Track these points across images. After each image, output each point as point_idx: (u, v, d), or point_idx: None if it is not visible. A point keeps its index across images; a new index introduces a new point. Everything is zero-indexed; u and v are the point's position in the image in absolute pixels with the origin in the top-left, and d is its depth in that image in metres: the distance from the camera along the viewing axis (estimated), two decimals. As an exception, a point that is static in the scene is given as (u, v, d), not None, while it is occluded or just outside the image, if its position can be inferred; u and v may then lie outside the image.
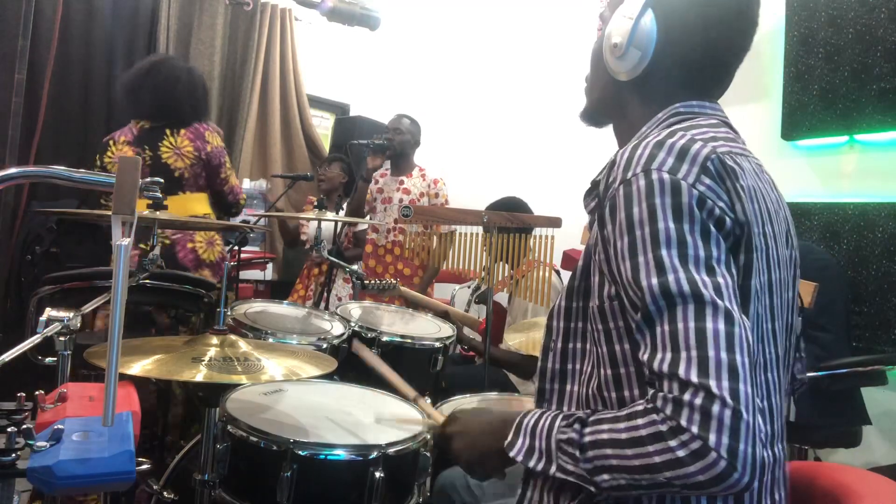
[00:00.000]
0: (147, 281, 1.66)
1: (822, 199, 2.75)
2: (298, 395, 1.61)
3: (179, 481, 1.66)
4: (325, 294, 2.99)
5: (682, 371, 0.69)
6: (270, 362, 1.36)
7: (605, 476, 0.73)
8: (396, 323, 2.27)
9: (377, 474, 1.30)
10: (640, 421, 0.71)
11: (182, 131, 2.47)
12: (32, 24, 1.62)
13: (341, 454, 1.32)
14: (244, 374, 1.29)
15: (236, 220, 3.58)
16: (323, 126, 4.65)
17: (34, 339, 1.14)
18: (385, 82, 4.64)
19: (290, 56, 4.29)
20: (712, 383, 0.67)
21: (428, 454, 1.42)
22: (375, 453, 1.32)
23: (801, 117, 2.80)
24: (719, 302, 0.71)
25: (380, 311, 2.44)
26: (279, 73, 4.24)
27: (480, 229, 2.10)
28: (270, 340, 1.82)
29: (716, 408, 0.66)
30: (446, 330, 2.24)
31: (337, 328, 2.03)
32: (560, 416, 0.81)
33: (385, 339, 1.98)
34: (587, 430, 0.76)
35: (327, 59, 4.55)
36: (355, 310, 2.31)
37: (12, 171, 0.81)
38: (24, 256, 2.77)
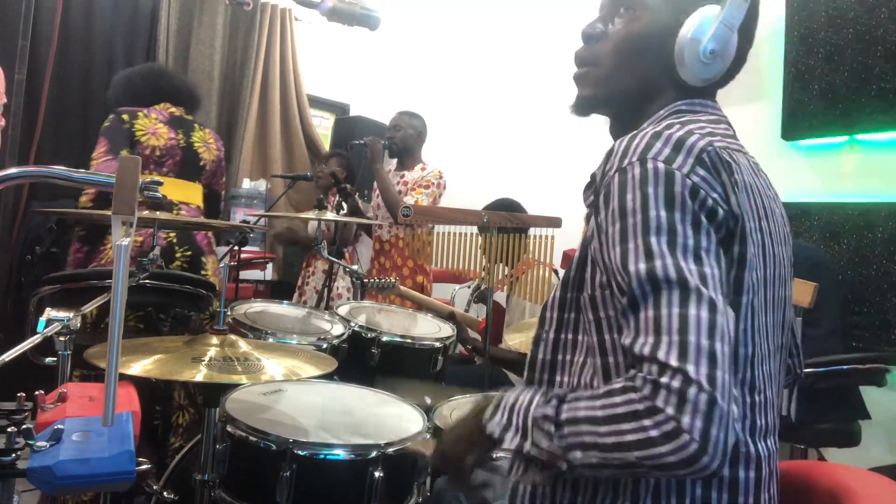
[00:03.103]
0: (147, 281, 1.66)
1: (822, 199, 2.76)
2: (298, 395, 1.61)
3: (179, 481, 1.66)
4: (326, 294, 2.99)
5: (662, 354, 0.69)
6: (270, 362, 1.36)
7: (578, 454, 0.73)
8: (396, 323, 2.27)
9: (376, 474, 1.30)
10: (617, 399, 0.71)
11: (208, 130, 2.59)
12: (32, 25, 1.62)
13: (340, 454, 1.32)
14: (244, 374, 1.29)
15: (236, 220, 3.58)
16: (323, 126, 4.65)
17: (34, 339, 1.14)
18: (385, 82, 4.64)
19: (290, 56, 4.29)
20: (690, 368, 0.68)
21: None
22: (375, 453, 1.32)
23: (801, 117, 2.80)
24: (704, 290, 0.72)
25: (380, 311, 2.44)
26: (279, 73, 4.24)
27: (477, 229, 2.10)
28: (270, 340, 1.82)
29: (692, 391, 0.67)
30: (446, 330, 2.24)
31: (337, 328, 2.03)
32: (539, 393, 0.81)
33: (385, 339, 1.98)
34: (564, 406, 0.76)
35: (327, 59, 4.55)
36: (355, 310, 2.31)
37: (12, 171, 0.81)
38: (24, 256, 2.77)
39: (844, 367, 2.17)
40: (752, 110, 2.89)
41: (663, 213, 0.75)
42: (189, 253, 2.35)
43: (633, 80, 0.96)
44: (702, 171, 0.78)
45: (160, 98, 2.50)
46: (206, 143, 2.53)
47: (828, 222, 2.71)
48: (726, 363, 0.69)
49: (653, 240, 0.74)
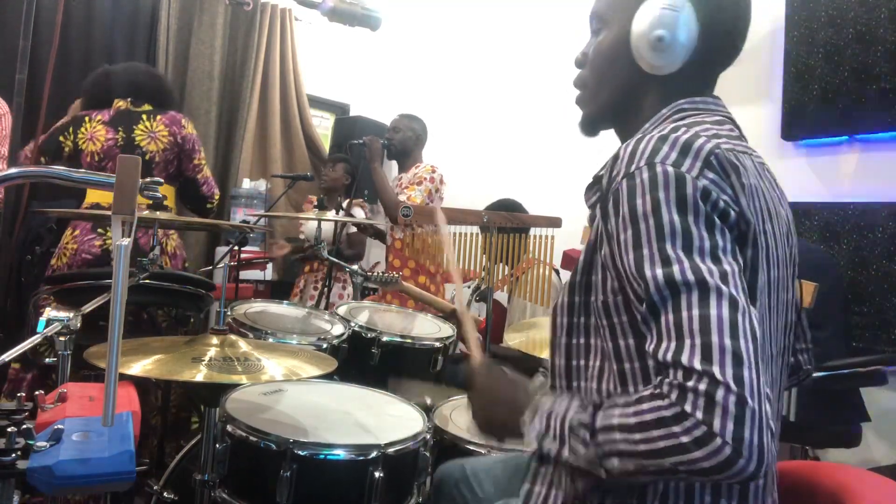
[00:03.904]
0: (147, 281, 1.66)
1: (822, 199, 2.75)
2: (298, 395, 1.61)
3: (179, 481, 1.66)
4: (326, 294, 2.99)
5: (685, 358, 0.69)
6: (270, 362, 1.36)
7: (615, 461, 0.73)
8: (396, 323, 2.27)
9: (377, 474, 1.30)
10: (645, 406, 0.71)
11: (159, 117, 2.48)
12: (33, 25, 1.62)
13: (341, 454, 1.32)
14: (244, 374, 1.29)
15: (236, 220, 3.58)
16: (323, 126, 4.65)
17: (34, 339, 1.14)
18: (385, 82, 4.64)
19: (290, 56, 4.29)
20: (716, 370, 0.67)
21: (427, 454, 1.42)
22: (375, 453, 1.32)
23: (801, 117, 2.80)
24: (724, 288, 0.71)
25: (380, 312, 2.44)
26: (279, 73, 4.24)
27: (478, 229, 2.11)
28: (270, 340, 1.82)
29: (720, 394, 0.66)
30: (446, 330, 2.24)
31: (337, 328, 2.03)
32: (576, 400, 0.81)
33: (385, 339, 1.98)
34: (600, 414, 0.76)
35: (327, 59, 4.55)
36: (355, 310, 2.31)
37: (12, 171, 0.82)
38: (24, 256, 2.77)
39: (846, 371, 2.17)
40: (752, 110, 2.90)
41: (676, 217, 0.74)
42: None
43: (614, 91, 0.98)
44: (710, 174, 0.77)
45: (114, 96, 2.48)
46: (152, 133, 2.43)
47: (828, 222, 2.71)
48: (753, 361, 0.68)
49: (668, 244, 0.74)
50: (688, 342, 0.70)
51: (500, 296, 3.14)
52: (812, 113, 2.77)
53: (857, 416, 2.28)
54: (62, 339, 1.24)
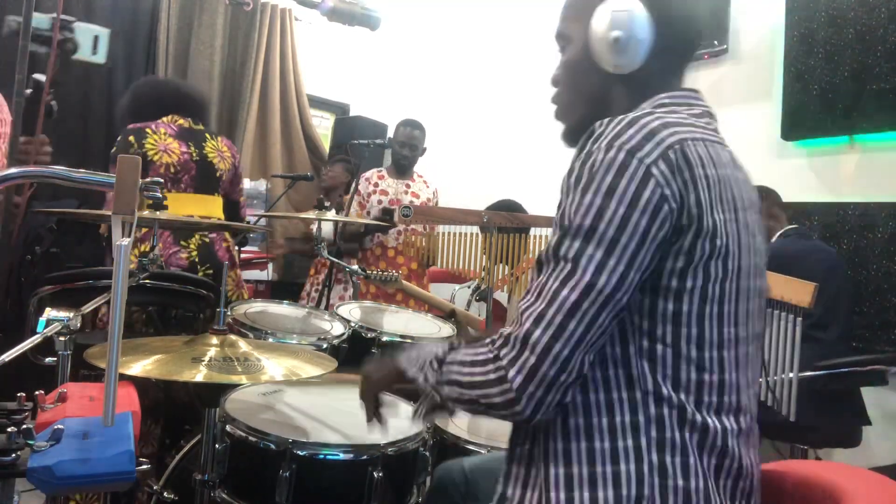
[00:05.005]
0: (147, 281, 1.65)
1: (822, 199, 2.75)
2: (298, 395, 1.61)
3: (179, 481, 1.66)
4: (326, 294, 2.99)
5: (525, 315, 0.83)
6: (270, 362, 1.36)
7: (446, 388, 0.92)
8: (396, 323, 2.27)
9: (376, 474, 1.30)
10: (481, 349, 0.88)
11: (219, 138, 2.55)
12: (33, 24, 1.62)
13: (340, 454, 1.32)
14: (244, 374, 1.29)
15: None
16: (323, 126, 4.65)
17: (34, 339, 1.14)
18: (385, 82, 4.64)
19: (290, 56, 4.29)
20: (536, 333, 0.81)
21: (427, 454, 1.42)
22: (375, 453, 1.32)
23: (801, 117, 2.80)
24: (589, 275, 0.80)
25: (379, 311, 2.45)
26: (279, 73, 4.24)
27: (478, 229, 2.11)
28: (270, 340, 1.82)
29: (526, 353, 0.81)
30: (446, 330, 2.24)
31: (337, 328, 2.03)
32: (445, 344, 0.97)
33: (385, 339, 1.98)
34: (451, 353, 0.93)
35: (327, 59, 4.55)
36: (355, 310, 2.31)
37: (12, 171, 0.82)
38: (24, 256, 2.77)
39: (846, 370, 2.17)
40: (752, 110, 2.89)
41: (599, 199, 0.81)
42: (211, 271, 2.34)
43: (584, 101, 1.04)
44: (663, 165, 0.81)
45: (165, 111, 2.45)
46: (220, 151, 2.50)
47: (828, 222, 2.71)
48: (573, 339, 0.80)
49: (577, 218, 0.82)
50: (537, 305, 0.82)
51: (501, 296, 3.15)
52: (812, 113, 2.77)
53: (858, 418, 2.28)
54: (62, 339, 1.24)
